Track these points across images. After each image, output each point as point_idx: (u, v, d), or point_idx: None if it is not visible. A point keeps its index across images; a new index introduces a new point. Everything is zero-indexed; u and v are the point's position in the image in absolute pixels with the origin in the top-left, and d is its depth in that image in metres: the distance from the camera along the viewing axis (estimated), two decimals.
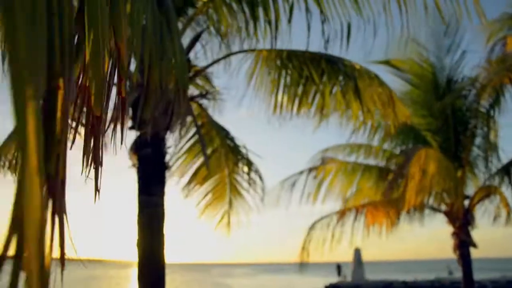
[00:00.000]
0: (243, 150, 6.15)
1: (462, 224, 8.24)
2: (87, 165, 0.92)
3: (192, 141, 5.99)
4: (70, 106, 0.80)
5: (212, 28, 5.17)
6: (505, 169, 8.27)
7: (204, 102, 5.65)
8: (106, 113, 1.04)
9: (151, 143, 4.38)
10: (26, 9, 0.59)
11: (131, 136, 4.48)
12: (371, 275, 27.72)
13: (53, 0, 0.71)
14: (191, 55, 4.98)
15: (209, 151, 6.01)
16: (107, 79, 1.05)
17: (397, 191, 7.59)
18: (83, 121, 0.93)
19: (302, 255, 9.34)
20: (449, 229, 8.46)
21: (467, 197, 8.44)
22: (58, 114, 0.72)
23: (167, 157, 4.57)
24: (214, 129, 5.92)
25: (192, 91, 5.36)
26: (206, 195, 6.51)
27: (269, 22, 4.65)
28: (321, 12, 4.50)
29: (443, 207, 8.65)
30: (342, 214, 9.07)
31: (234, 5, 4.76)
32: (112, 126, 1.12)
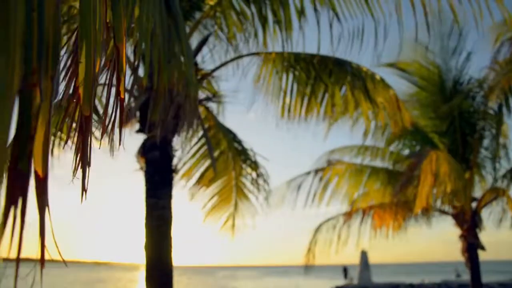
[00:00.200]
0: (250, 153, 6.16)
1: (470, 226, 8.20)
2: (75, 164, 0.92)
3: (199, 144, 6.00)
4: (53, 104, 0.80)
5: (219, 32, 5.19)
6: None
7: (210, 105, 5.66)
8: (106, 115, 1.05)
9: (159, 147, 4.40)
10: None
11: (139, 139, 4.51)
12: (377, 278, 27.62)
13: None
14: (198, 58, 5.00)
15: (216, 154, 6.03)
16: (106, 81, 1.06)
17: (405, 194, 7.57)
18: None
19: (307, 257, 9.33)
20: (457, 231, 8.43)
21: (474, 199, 8.40)
22: (34, 111, 0.72)
23: (175, 160, 4.59)
24: (221, 132, 5.93)
25: (199, 94, 5.37)
26: (212, 197, 6.52)
27: (278, 24, 4.65)
28: (333, 11, 4.49)
29: (451, 209, 8.61)
30: (348, 216, 9.05)
31: (242, 8, 4.77)
32: (111, 128, 1.13)
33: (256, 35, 4.85)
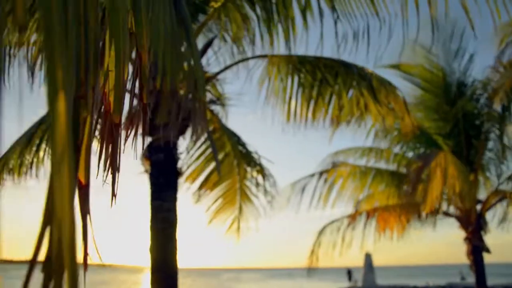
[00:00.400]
0: (255, 156, 6.16)
1: (474, 228, 8.17)
2: (104, 170, 0.94)
3: (203, 147, 6.01)
4: (94, 114, 0.82)
5: (224, 34, 5.19)
6: None
7: (215, 107, 5.67)
8: (131, 121, 1.06)
9: (164, 149, 4.41)
10: (60, 16, 0.61)
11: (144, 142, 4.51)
12: (382, 280, 27.54)
13: (80, 9, 0.72)
14: (203, 61, 5.01)
15: (220, 156, 6.03)
16: (129, 87, 1.07)
17: (411, 195, 7.56)
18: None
19: (311, 259, 9.32)
20: (461, 233, 8.40)
21: (479, 201, 8.38)
22: (82, 122, 0.74)
23: (179, 163, 4.60)
24: (225, 135, 5.94)
25: None
26: (216, 200, 6.52)
27: (283, 26, 4.66)
28: (335, 12, 4.48)
29: (455, 211, 8.59)
30: (353, 218, 9.04)
31: (247, 10, 4.77)
32: (131, 132, 1.14)
33: (262, 37, 4.85)
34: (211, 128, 5.81)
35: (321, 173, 9.01)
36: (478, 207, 8.33)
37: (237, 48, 5.21)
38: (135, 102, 1.19)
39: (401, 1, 3.94)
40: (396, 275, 53.18)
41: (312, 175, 9.03)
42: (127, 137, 1.10)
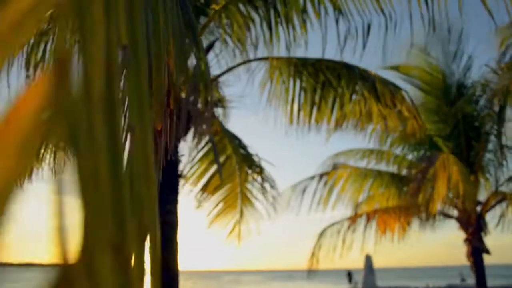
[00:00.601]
0: (256, 159, 6.17)
1: (474, 230, 8.18)
2: None
3: (204, 149, 6.01)
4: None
5: (226, 36, 5.20)
6: None
7: (216, 110, 5.68)
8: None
9: (165, 151, 4.41)
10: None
11: None
12: (382, 282, 27.51)
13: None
14: None
15: (221, 159, 6.03)
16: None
17: (415, 197, 7.57)
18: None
19: (311, 261, 9.32)
20: (461, 235, 8.41)
21: (479, 202, 8.39)
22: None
23: (181, 166, 4.61)
24: (226, 138, 5.94)
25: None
26: (217, 204, 6.52)
27: (285, 29, 4.67)
28: (339, 10, 4.47)
29: (455, 212, 8.60)
30: (353, 220, 9.05)
31: (248, 12, 4.78)
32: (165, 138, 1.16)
33: (265, 39, 4.86)
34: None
35: (321, 176, 9.02)
36: (478, 208, 8.34)
37: (239, 50, 5.22)
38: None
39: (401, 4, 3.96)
40: (396, 276, 53.11)
41: (312, 178, 9.03)
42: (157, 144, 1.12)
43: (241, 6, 4.75)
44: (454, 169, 6.99)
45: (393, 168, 9.20)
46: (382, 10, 4.30)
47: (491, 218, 8.47)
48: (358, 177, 8.99)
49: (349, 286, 28.71)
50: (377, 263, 28.39)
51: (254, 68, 5.24)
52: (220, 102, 5.57)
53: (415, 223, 8.82)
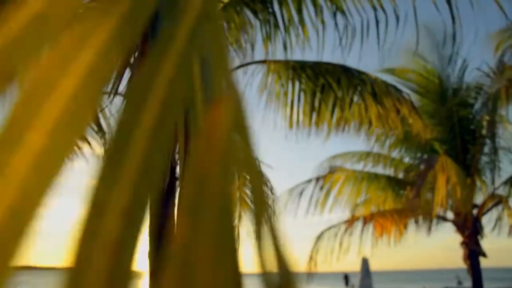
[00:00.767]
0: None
1: (471, 233, 8.21)
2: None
3: None
4: None
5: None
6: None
7: None
8: None
9: None
10: None
11: None
12: (379, 285, 27.53)
13: None
14: None
15: None
16: None
17: (414, 200, 7.60)
18: None
19: (309, 265, 9.32)
20: (457, 238, 8.44)
21: (475, 205, 8.42)
22: None
23: (178, 169, 4.60)
24: None
25: None
26: None
27: (284, 31, 4.67)
28: (340, 11, 4.46)
29: (451, 216, 8.62)
30: (350, 223, 9.06)
31: (247, 15, 4.78)
32: None
33: (264, 42, 4.86)
34: None
35: (317, 179, 9.03)
36: (474, 211, 8.37)
37: (237, 53, 5.23)
38: None
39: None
40: (393, 279, 53.17)
41: (309, 181, 9.05)
42: None
43: (239, 8, 4.75)
44: (451, 172, 7.03)
45: (389, 171, 9.23)
46: (383, 8, 4.29)
47: (487, 221, 8.51)
48: (355, 180, 9.01)
49: None
50: (374, 266, 28.43)
51: (252, 71, 5.25)
52: None
53: (412, 226, 8.84)
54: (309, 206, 8.91)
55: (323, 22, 4.54)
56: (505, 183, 8.33)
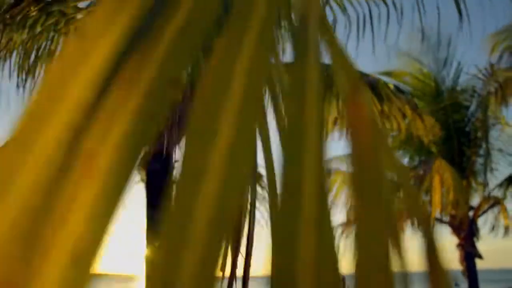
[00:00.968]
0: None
1: (467, 235, 8.22)
2: None
3: None
4: None
5: None
6: (509, 180, 8.30)
7: None
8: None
9: (160, 158, 4.41)
10: None
11: None
12: None
13: None
14: None
15: None
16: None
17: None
18: None
19: None
20: (452, 240, 8.45)
21: (471, 207, 8.43)
22: None
23: (175, 172, 4.61)
24: None
25: None
26: None
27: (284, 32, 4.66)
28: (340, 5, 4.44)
29: (447, 218, 8.63)
30: (346, 226, 9.05)
31: None
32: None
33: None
34: None
35: None
36: (470, 213, 8.39)
37: None
38: None
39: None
40: None
41: None
42: None
43: None
44: (446, 175, 7.06)
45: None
46: (385, 2, 4.24)
47: (483, 223, 8.53)
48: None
49: None
50: None
51: None
52: None
53: (408, 228, 8.84)
54: None
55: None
56: (501, 185, 8.36)
